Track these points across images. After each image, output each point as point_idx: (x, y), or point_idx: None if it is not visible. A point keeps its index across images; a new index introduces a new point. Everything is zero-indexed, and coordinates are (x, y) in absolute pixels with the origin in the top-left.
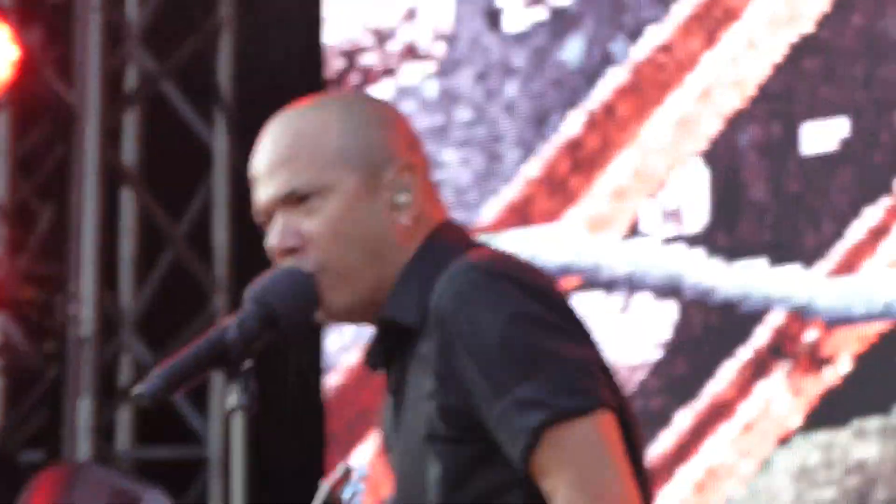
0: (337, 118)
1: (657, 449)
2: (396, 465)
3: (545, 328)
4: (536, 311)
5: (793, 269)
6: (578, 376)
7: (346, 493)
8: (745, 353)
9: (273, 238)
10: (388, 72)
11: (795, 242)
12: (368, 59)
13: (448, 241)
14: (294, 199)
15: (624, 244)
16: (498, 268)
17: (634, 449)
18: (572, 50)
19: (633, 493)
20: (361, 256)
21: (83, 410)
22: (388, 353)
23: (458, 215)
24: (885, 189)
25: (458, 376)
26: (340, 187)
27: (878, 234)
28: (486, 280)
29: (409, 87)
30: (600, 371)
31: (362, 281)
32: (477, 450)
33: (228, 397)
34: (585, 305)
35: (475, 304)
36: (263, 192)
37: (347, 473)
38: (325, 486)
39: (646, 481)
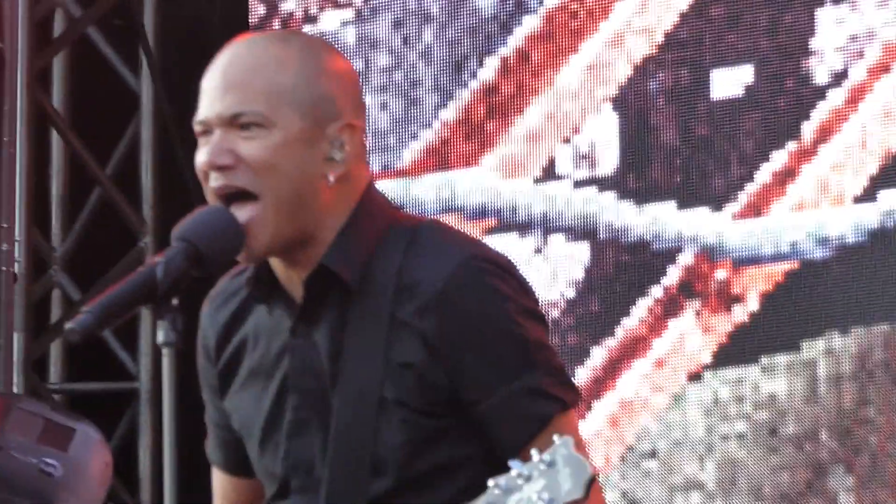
0: (298, 59)
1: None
2: (335, 409)
3: (539, 322)
4: (531, 305)
5: (702, 211)
6: (565, 371)
7: None
8: (656, 292)
9: (206, 153)
10: (309, 18)
11: (704, 185)
12: (289, 6)
13: (379, 206)
14: (237, 123)
15: (538, 187)
16: (500, 261)
17: None
18: None
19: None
20: (287, 195)
21: (15, 345)
22: (309, 299)
23: (377, 159)
24: (792, 134)
25: (457, 356)
26: (284, 125)
27: (785, 177)
28: (494, 272)
29: (328, 32)
30: None
31: (284, 221)
32: (444, 423)
33: (158, 333)
34: (502, 247)
35: (486, 294)
36: (210, 107)
37: None
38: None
39: None
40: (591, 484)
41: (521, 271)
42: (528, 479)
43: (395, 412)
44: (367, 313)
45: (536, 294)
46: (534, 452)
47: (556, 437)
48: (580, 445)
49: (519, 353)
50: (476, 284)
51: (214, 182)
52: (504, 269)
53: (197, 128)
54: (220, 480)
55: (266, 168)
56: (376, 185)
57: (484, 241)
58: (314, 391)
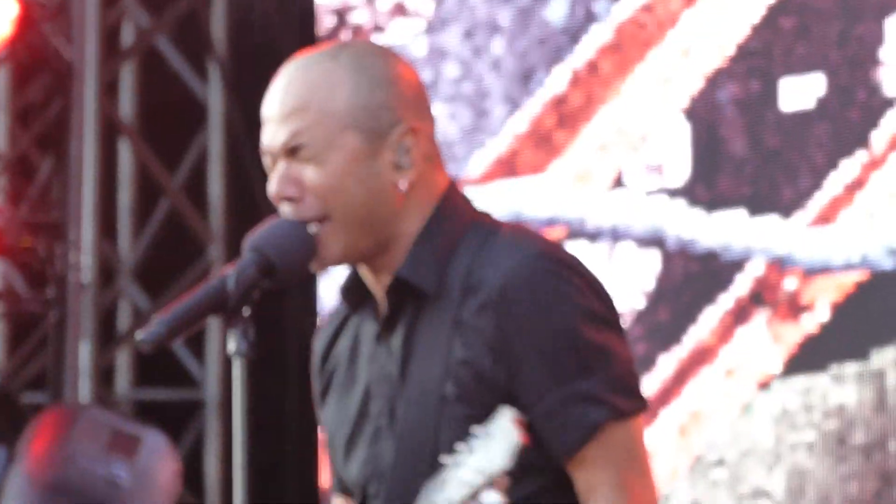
0: (349, 75)
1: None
2: (401, 412)
3: (607, 327)
4: (600, 309)
5: (771, 220)
6: (631, 377)
7: None
8: (726, 301)
9: (274, 184)
10: (378, 29)
11: (774, 194)
12: (359, 17)
13: (459, 209)
14: (297, 152)
15: (608, 196)
16: (568, 261)
17: None
18: (556, 9)
19: (657, 494)
20: (358, 212)
21: (83, 354)
22: (391, 309)
23: (446, 168)
24: (861, 143)
25: (514, 355)
26: (345, 145)
27: (854, 186)
28: (558, 272)
29: (398, 44)
30: None
31: (357, 234)
32: None
33: (228, 343)
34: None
35: (547, 294)
36: (271, 136)
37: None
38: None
39: None
40: (520, 453)
41: (593, 273)
42: (472, 452)
43: (456, 409)
44: (435, 316)
45: (610, 298)
46: (475, 426)
47: (500, 409)
48: (637, 457)
49: (575, 356)
50: (536, 282)
51: (285, 211)
52: (571, 269)
53: (265, 159)
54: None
55: (332, 193)
56: (457, 190)
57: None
58: (389, 397)
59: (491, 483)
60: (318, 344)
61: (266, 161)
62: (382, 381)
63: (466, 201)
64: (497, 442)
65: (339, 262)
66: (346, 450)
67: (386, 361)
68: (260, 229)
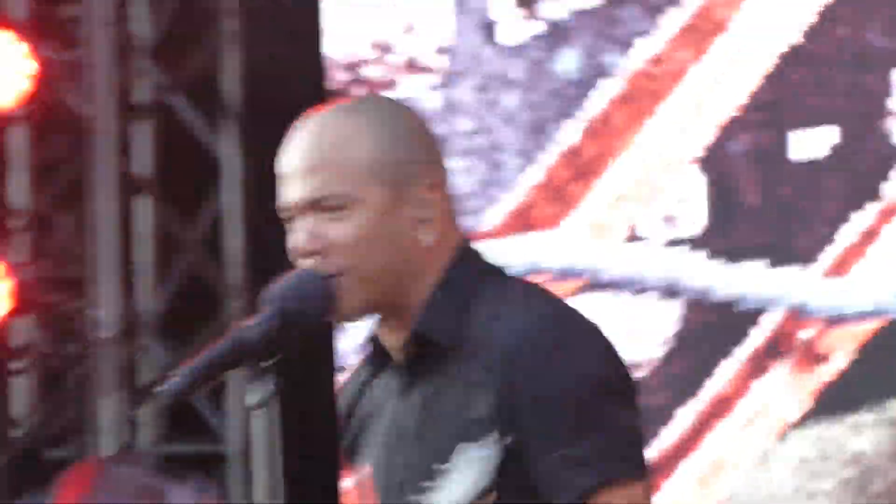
0: (369, 129)
1: (660, 444)
2: (416, 468)
3: (610, 392)
4: (605, 374)
5: (787, 271)
6: (630, 444)
7: None
8: (743, 352)
9: (298, 239)
10: (390, 84)
11: (788, 245)
12: (371, 72)
13: (477, 264)
14: (321, 207)
15: (624, 248)
16: (578, 325)
17: None
18: (568, 62)
19: None
20: (382, 267)
21: (106, 408)
22: (410, 364)
23: (462, 222)
24: (872, 194)
25: (515, 417)
26: (368, 200)
27: (867, 237)
28: (565, 337)
29: (411, 98)
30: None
31: (379, 288)
32: (511, 484)
33: (248, 395)
34: (589, 307)
35: (551, 359)
36: (292, 192)
37: None
38: None
39: None
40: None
41: (606, 338)
42: (439, 488)
43: None
44: (452, 371)
45: (622, 364)
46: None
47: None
48: None
49: (572, 422)
50: (543, 344)
51: (306, 266)
52: (580, 333)
53: (283, 215)
54: None
55: (357, 247)
56: (471, 244)
57: (570, 301)
58: (407, 453)
59: None
60: (344, 397)
61: (284, 217)
62: (403, 436)
63: (480, 255)
64: (463, 475)
65: (358, 314)
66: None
67: (405, 417)
68: (279, 281)
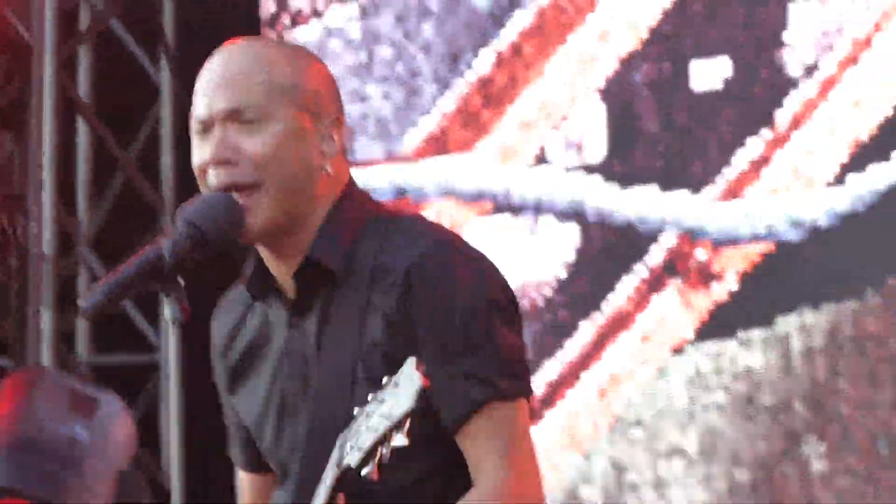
0: (291, 59)
1: (564, 357)
2: (314, 391)
3: (498, 313)
4: (493, 295)
5: (683, 195)
6: (518, 363)
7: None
8: (641, 271)
9: (211, 148)
10: (316, 14)
11: (685, 170)
12: (298, 2)
13: (362, 198)
14: (237, 118)
15: (531, 172)
16: (465, 249)
17: None
18: None
19: (539, 471)
20: (289, 184)
21: (44, 321)
22: (301, 291)
23: (380, 145)
24: (766, 122)
25: (412, 332)
26: (284, 118)
27: (760, 163)
28: (454, 259)
29: (335, 28)
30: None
31: (285, 206)
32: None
33: (165, 310)
34: (497, 228)
35: (443, 279)
36: (209, 104)
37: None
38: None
39: None
40: (421, 393)
41: (493, 264)
42: (381, 402)
43: (365, 390)
44: (347, 300)
45: (507, 286)
46: (386, 378)
47: (407, 362)
48: (522, 438)
49: (465, 337)
50: (437, 268)
51: (215, 179)
52: (467, 256)
53: (196, 126)
54: (242, 480)
55: (268, 160)
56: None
57: (479, 222)
58: (303, 377)
59: (398, 425)
60: (219, 332)
61: (196, 130)
62: (295, 362)
63: (365, 192)
64: (402, 388)
65: (262, 232)
66: (262, 430)
67: (300, 344)
68: (192, 201)
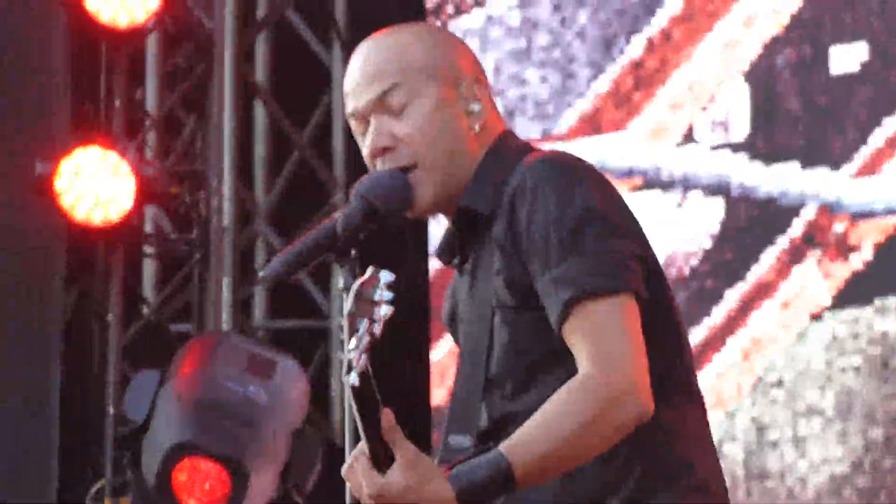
0: (418, 39)
1: (710, 322)
2: (465, 331)
3: (595, 219)
4: (589, 202)
5: (822, 171)
6: (612, 264)
7: (375, 294)
8: (783, 242)
9: (370, 140)
10: (479, 3)
11: (825, 148)
12: None
13: (513, 144)
14: (385, 104)
15: (679, 150)
16: (567, 161)
17: (679, 329)
18: None
19: (641, 366)
20: (445, 155)
21: (224, 288)
22: (462, 240)
23: (538, 125)
24: None
25: (518, 250)
26: (426, 95)
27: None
28: (554, 171)
29: (496, 16)
30: (637, 262)
31: (445, 176)
32: (538, 316)
33: (338, 279)
34: (646, 203)
35: (542, 191)
36: (357, 98)
37: (376, 275)
38: (356, 284)
39: (688, 353)
40: (392, 286)
41: (603, 177)
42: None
43: (501, 315)
44: (487, 237)
45: (615, 194)
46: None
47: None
48: (616, 331)
49: (561, 246)
50: (534, 185)
51: (381, 166)
52: (569, 168)
53: (352, 123)
54: None
55: (422, 138)
56: (514, 133)
57: (630, 197)
58: (467, 320)
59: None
60: (447, 294)
61: (355, 128)
62: (465, 307)
63: (521, 141)
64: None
65: (431, 205)
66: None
67: (463, 288)
68: (364, 178)
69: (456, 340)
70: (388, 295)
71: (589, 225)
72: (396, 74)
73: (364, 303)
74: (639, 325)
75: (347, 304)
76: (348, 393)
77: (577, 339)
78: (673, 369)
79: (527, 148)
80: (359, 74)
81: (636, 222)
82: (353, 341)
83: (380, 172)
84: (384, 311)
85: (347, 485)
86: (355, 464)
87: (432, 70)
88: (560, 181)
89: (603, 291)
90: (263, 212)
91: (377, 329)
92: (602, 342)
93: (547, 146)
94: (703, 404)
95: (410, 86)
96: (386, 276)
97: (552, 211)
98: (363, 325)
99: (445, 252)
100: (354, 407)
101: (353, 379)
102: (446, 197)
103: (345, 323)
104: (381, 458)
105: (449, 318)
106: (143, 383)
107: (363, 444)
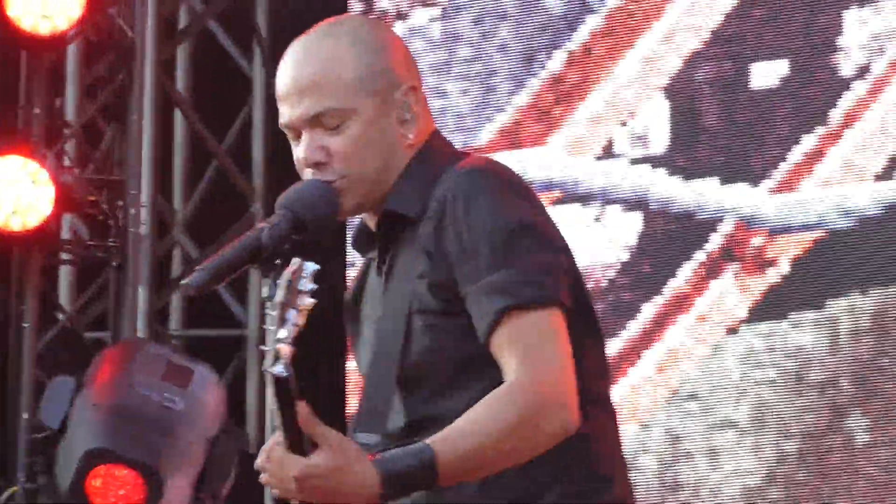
0: (352, 48)
1: (626, 335)
2: (375, 330)
3: (527, 232)
4: (523, 215)
5: (741, 187)
6: (544, 276)
7: (300, 284)
8: (700, 256)
9: (301, 151)
10: (400, 16)
11: (744, 164)
12: (383, 4)
13: (441, 147)
14: (319, 122)
15: (598, 164)
16: (500, 172)
17: (601, 342)
18: None
19: (570, 380)
20: (375, 169)
21: (140, 297)
22: (384, 241)
23: (458, 138)
24: (821, 120)
25: (446, 256)
26: (360, 111)
27: (813, 157)
28: (488, 181)
29: (417, 27)
30: (565, 275)
31: (373, 184)
32: (460, 323)
33: (262, 288)
34: (565, 216)
35: (474, 199)
36: (290, 111)
37: (302, 266)
38: (286, 274)
39: (607, 366)
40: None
41: (529, 189)
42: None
43: (421, 320)
44: (410, 239)
45: (540, 206)
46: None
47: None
48: (545, 343)
49: (492, 254)
50: (464, 191)
51: (311, 176)
52: (498, 178)
53: (284, 130)
54: None
55: (356, 154)
56: (441, 134)
57: (549, 210)
58: (376, 318)
59: None
60: (351, 290)
61: (287, 133)
62: (375, 304)
63: (447, 143)
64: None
65: (358, 210)
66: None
67: (377, 287)
68: (290, 189)
69: (352, 330)
70: (310, 286)
71: (522, 237)
72: (330, 97)
73: (292, 294)
74: (567, 338)
75: (278, 293)
76: (270, 381)
77: (507, 348)
78: (593, 381)
79: (456, 153)
80: (291, 83)
81: (562, 235)
82: (283, 331)
83: (305, 183)
84: (307, 301)
85: (267, 489)
86: (272, 454)
87: (366, 82)
88: (494, 191)
89: (534, 303)
90: (181, 221)
91: (301, 320)
92: (533, 353)
93: None
94: (615, 416)
95: (345, 105)
96: (310, 267)
97: (486, 220)
98: (290, 315)
99: (362, 244)
100: (275, 398)
101: (280, 369)
102: (372, 201)
103: (275, 312)
104: (300, 448)
105: (352, 303)
106: (59, 389)
107: (278, 435)
